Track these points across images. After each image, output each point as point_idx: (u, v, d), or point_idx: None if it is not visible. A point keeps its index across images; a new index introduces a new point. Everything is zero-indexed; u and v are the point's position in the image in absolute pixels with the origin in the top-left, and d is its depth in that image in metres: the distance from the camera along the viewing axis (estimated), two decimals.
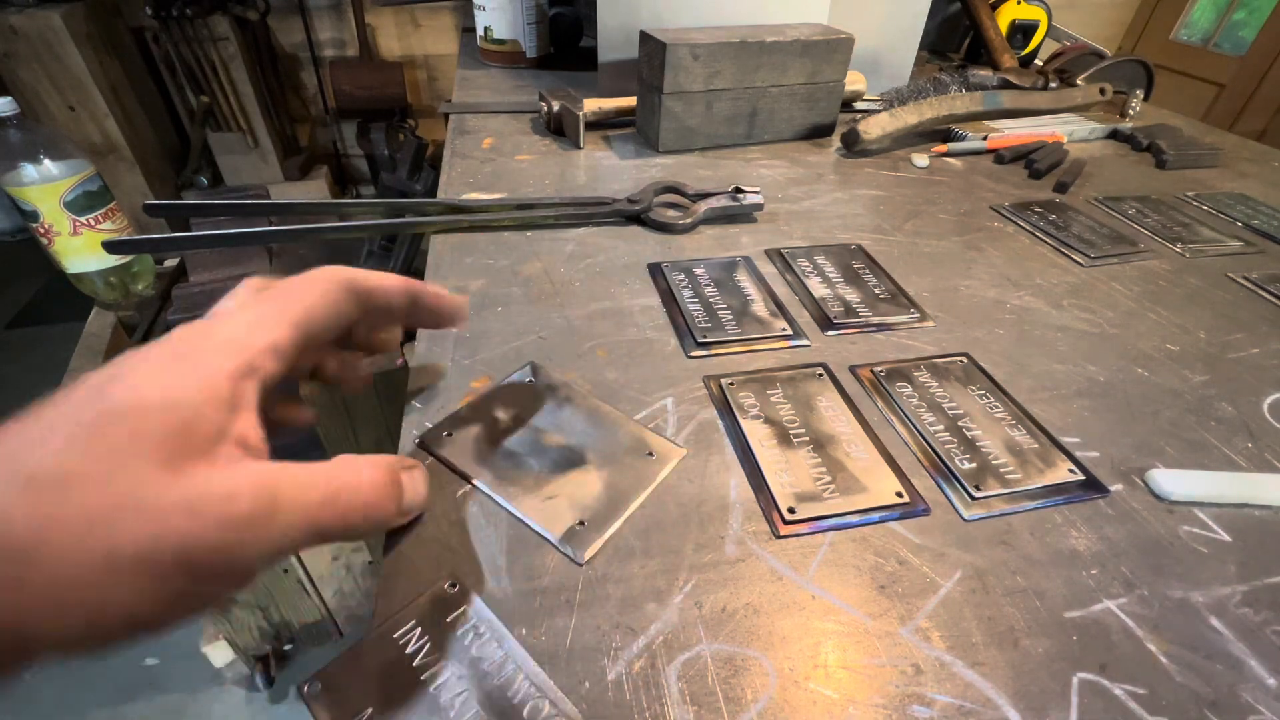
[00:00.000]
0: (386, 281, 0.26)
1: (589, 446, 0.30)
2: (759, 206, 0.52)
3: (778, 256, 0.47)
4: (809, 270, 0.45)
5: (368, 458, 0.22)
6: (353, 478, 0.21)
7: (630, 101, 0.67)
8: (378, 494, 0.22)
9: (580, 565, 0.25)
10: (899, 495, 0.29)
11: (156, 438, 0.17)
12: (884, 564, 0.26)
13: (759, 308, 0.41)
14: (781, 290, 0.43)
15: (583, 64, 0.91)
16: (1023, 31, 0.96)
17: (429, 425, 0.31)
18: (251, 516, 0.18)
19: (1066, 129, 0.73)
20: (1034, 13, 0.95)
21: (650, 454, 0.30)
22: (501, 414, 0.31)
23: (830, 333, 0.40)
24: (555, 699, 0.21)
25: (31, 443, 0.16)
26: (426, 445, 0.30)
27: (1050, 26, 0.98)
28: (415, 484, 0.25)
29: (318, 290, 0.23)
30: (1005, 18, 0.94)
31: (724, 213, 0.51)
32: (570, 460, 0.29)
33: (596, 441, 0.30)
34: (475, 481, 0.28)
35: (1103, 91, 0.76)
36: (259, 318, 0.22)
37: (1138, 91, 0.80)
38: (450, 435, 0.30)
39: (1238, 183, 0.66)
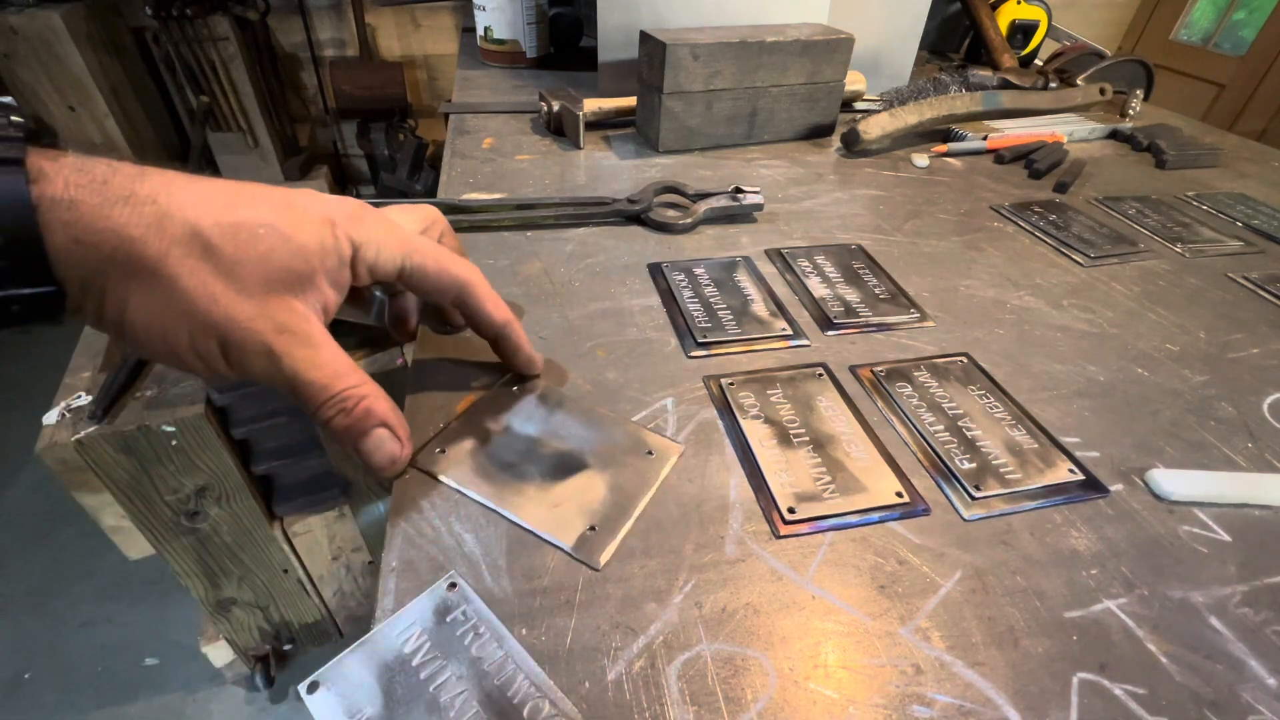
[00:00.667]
0: (491, 305, 0.30)
1: (587, 450, 0.30)
2: (759, 206, 0.52)
3: (778, 256, 0.47)
4: (809, 270, 0.45)
5: (384, 411, 0.26)
6: (359, 409, 0.26)
7: (630, 101, 0.67)
8: (363, 437, 0.26)
9: (597, 570, 0.25)
10: (899, 495, 0.29)
11: (282, 265, 0.24)
12: (884, 564, 0.26)
13: (759, 308, 0.41)
14: (781, 290, 0.43)
15: (583, 64, 0.91)
16: (1023, 31, 0.96)
17: (421, 443, 0.30)
18: (274, 354, 0.24)
19: (1066, 129, 0.73)
20: (1034, 13, 0.95)
21: (650, 452, 0.30)
22: (493, 424, 0.31)
23: (830, 333, 0.40)
24: (555, 699, 0.21)
25: (216, 204, 0.23)
26: (420, 465, 0.29)
27: (1050, 26, 0.98)
28: (380, 436, 0.27)
29: (448, 255, 0.29)
30: (1005, 18, 0.94)
31: (724, 213, 0.51)
32: (570, 465, 0.29)
33: (594, 444, 0.30)
34: (475, 496, 0.28)
35: (1103, 91, 0.76)
36: (387, 232, 0.27)
37: (1138, 91, 0.80)
38: (443, 452, 0.29)
39: (1238, 183, 0.66)
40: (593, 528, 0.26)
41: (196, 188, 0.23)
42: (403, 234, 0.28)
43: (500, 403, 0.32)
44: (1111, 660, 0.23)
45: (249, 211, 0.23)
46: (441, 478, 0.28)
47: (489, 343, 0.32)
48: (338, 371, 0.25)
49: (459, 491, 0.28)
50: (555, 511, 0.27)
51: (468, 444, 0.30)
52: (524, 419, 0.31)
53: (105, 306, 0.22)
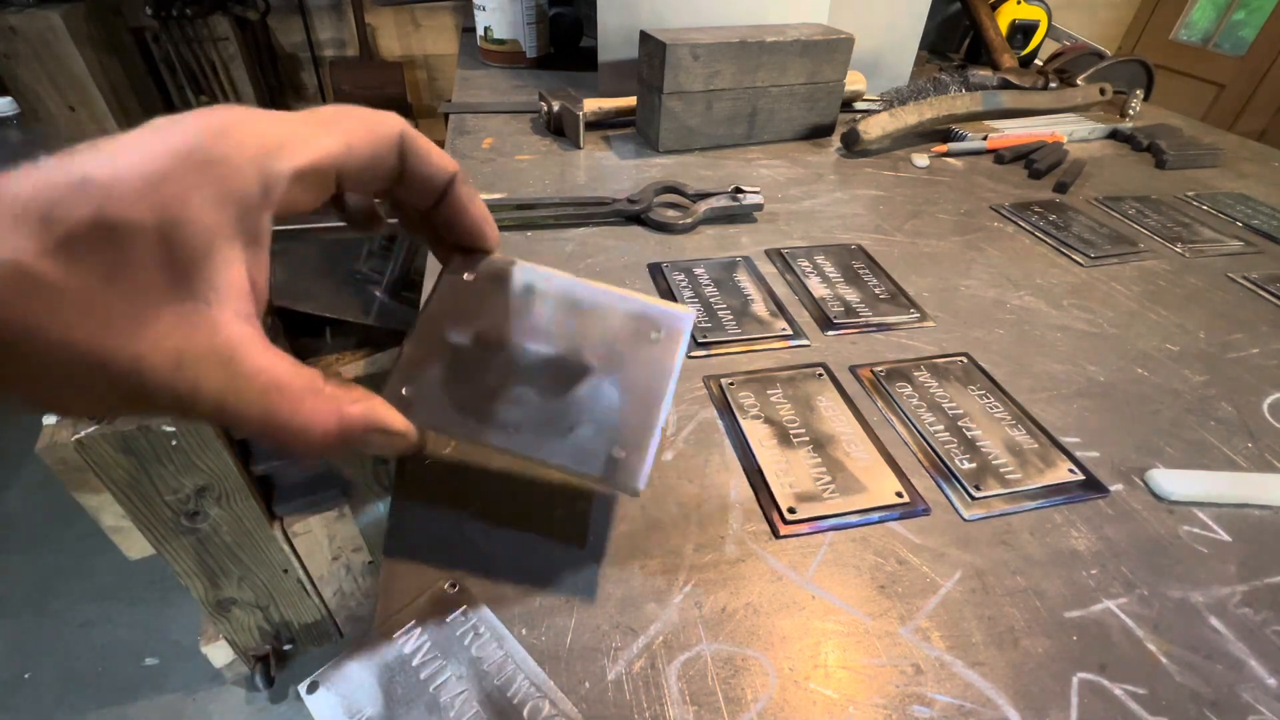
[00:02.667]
0: (435, 154, 0.23)
1: (583, 347, 0.24)
2: (759, 206, 0.52)
3: (778, 256, 0.47)
4: (809, 270, 0.45)
5: (336, 400, 0.19)
6: (293, 410, 0.18)
7: (630, 101, 0.67)
8: (309, 436, 0.18)
9: (638, 495, 0.22)
10: (899, 495, 0.29)
11: (146, 268, 0.15)
12: (884, 564, 0.26)
13: (759, 308, 0.41)
14: (781, 290, 0.43)
15: (583, 64, 0.91)
16: (1023, 31, 0.96)
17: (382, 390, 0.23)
18: (183, 399, 0.16)
19: (1066, 129, 0.73)
20: (1034, 13, 0.95)
21: (657, 332, 0.24)
22: (457, 334, 0.24)
23: (830, 333, 0.40)
24: (555, 699, 0.21)
25: (6, 235, 0.14)
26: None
27: (1050, 26, 0.98)
28: (381, 444, 0.20)
29: (361, 125, 0.20)
30: (1005, 18, 0.94)
31: (724, 213, 0.51)
32: (569, 373, 0.23)
33: (588, 337, 0.24)
34: (477, 439, 0.22)
35: (1103, 91, 0.76)
36: (287, 132, 0.18)
37: (1138, 91, 0.80)
38: (408, 392, 0.23)
39: (1238, 183, 0.66)
40: (620, 447, 0.22)
41: (4, 207, 0.14)
42: (301, 123, 0.19)
43: (458, 301, 0.24)
44: (1112, 660, 0.23)
45: (78, 205, 0.15)
46: (420, 422, 0.22)
47: (428, 212, 0.24)
48: (276, 383, 0.17)
49: (455, 436, 0.23)
50: (572, 437, 0.22)
51: (435, 370, 0.23)
52: (492, 318, 0.24)
53: None
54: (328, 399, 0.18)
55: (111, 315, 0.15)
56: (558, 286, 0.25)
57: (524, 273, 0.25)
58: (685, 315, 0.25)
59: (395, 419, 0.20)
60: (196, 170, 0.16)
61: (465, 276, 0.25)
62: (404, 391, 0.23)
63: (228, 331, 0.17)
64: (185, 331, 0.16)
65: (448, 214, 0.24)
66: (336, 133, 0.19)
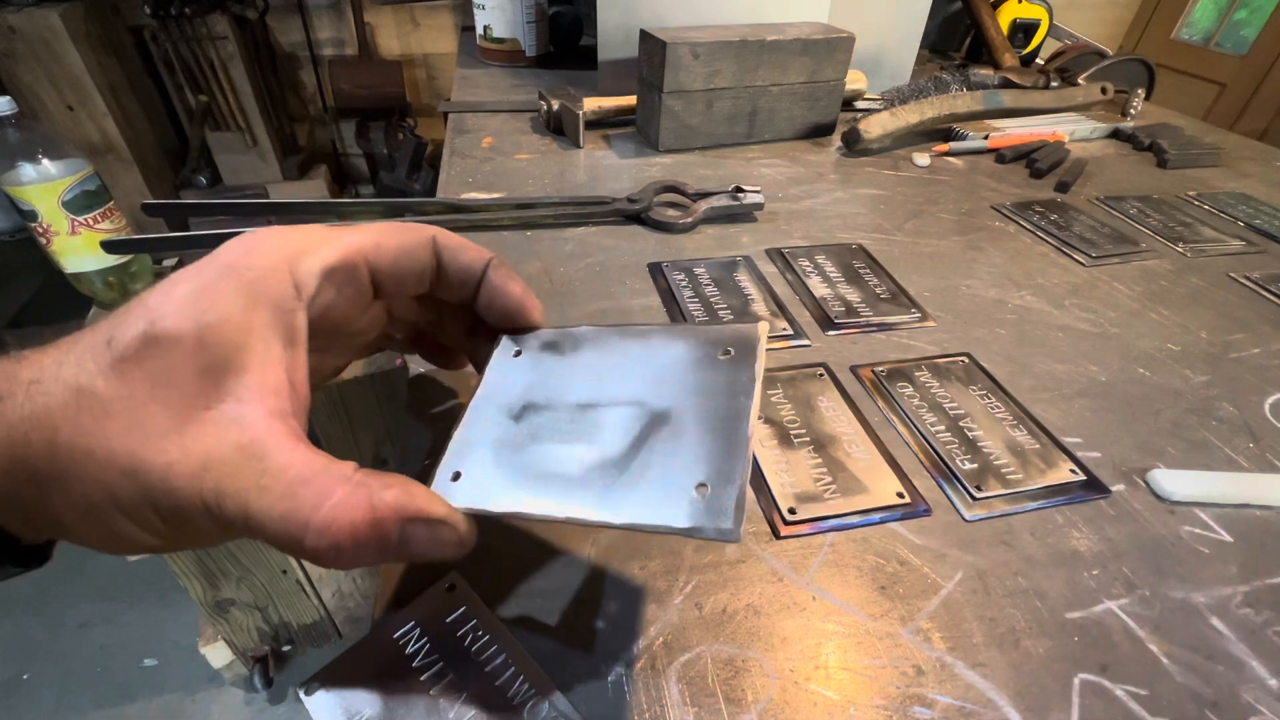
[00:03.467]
0: (470, 246, 0.23)
1: (644, 388, 0.21)
2: (759, 206, 0.52)
3: (778, 256, 0.47)
4: (810, 270, 0.45)
5: (366, 487, 0.17)
6: (316, 504, 0.16)
7: (630, 101, 0.67)
8: (336, 532, 0.16)
9: (738, 542, 0.19)
10: (900, 496, 0.29)
11: (184, 375, 0.16)
12: (885, 565, 0.26)
13: (759, 307, 0.41)
14: (782, 290, 0.43)
15: (583, 63, 0.91)
16: (1024, 30, 0.95)
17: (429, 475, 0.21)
18: (209, 506, 0.16)
19: (1068, 128, 0.73)
20: (1035, 11, 0.95)
21: (728, 351, 0.21)
22: (508, 405, 0.22)
23: (831, 332, 0.39)
24: (555, 699, 0.21)
25: (98, 339, 0.16)
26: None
27: (1051, 25, 0.98)
28: (426, 540, 0.18)
29: (391, 228, 0.21)
30: (1006, 17, 0.93)
31: (724, 212, 0.51)
32: (635, 421, 0.20)
33: (649, 377, 0.21)
34: (532, 513, 0.19)
35: (1104, 91, 0.76)
36: (316, 237, 0.19)
37: (1139, 91, 0.80)
38: (459, 476, 0.20)
39: (1239, 182, 0.66)
40: (702, 484, 0.18)
41: (83, 340, 0.16)
42: (330, 230, 0.20)
43: (506, 379, 0.23)
44: (1113, 661, 0.23)
45: (132, 326, 0.16)
46: (474, 507, 0.19)
47: (467, 300, 0.24)
48: (301, 476, 0.16)
49: (509, 515, 0.19)
50: (644, 487, 0.18)
51: (484, 450, 0.21)
52: (544, 384, 0.22)
53: (39, 523, 0.17)
54: (356, 486, 0.16)
55: (151, 424, 0.16)
56: (609, 340, 0.23)
57: (572, 335, 0.24)
58: (757, 326, 0.21)
59: (436, 505, 0.18)
60: (229, 279, 0.17)
61: (515, 353, 0.24)
62: (452, 477, 0.20)
63: (257, 429, 0.16)
64: (216, 434, 0.16)
65: (488, 300, 0.24)
66: (367, 232, 0.20)
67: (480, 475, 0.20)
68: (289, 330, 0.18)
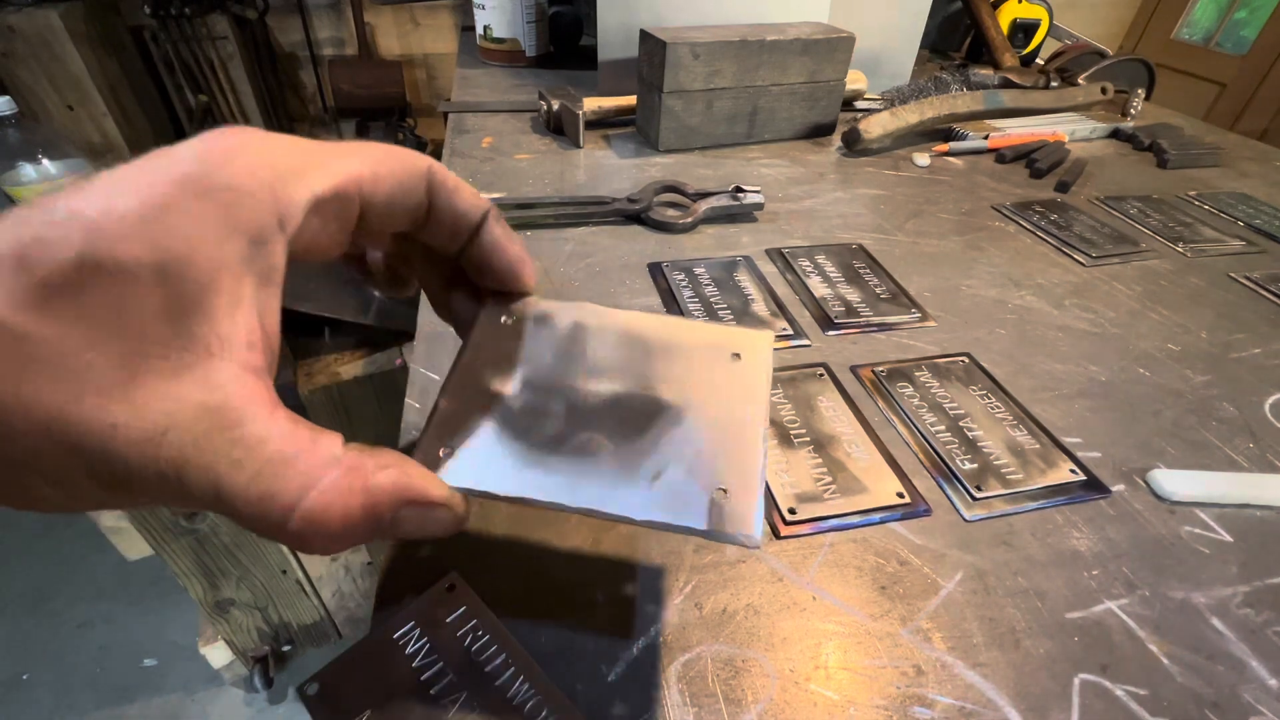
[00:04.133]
0: (467, 190, 0.20)
1: (654, 382, 0.20)
2: (759, 206, 0.52)
3: (778, 256, 0.47)
4: (810, 270, 0.45)
5: (359, 470, 0.15)
6: (302, 488, 0.14)
7: (630, 100, 0.67)
8: (327, 522, 0.14)
9: (758, 545, 0.18)
10: (900, 496, 0.29)
11: (140, 317, 0.13)
12: (885, 565, 0.26)
13: (759, 307, 0.41)
14: (782, 290, 0.43)
15: (583, 63, 0.91)
16: (1024, 30, 0.95)
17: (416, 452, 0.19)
18: (166, 477, 0.13)
19: (1068, 128, 0.73)
20: (1035, 11, 0.95)
21: (737, 355, 0.21)
22: (501, 383, 0.20)
23: (831, 332, 0.39)
24: (555, 699, 0.21)
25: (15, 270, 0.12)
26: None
27: (1051, 25, 0.98)
28: (419, 521, 0.16)
29: (385, 152, 0.18)
30: (1006, 17, 0.93)
31: (724, 212, 0.51)
32: (643, 412, 0.20)
33: (659, 372, 0.21)
34: (539, 499, 0.18)
35: (1104, 91, 0.76)
36: (304, 157, 0.16)
37: (1139, 91, 0.80)
38: (448, 452, 0.19)
39: (1239, 182, 0.66)
40: (723, 490, 0.18)
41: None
42: (318, 147, 0.17)
43: (498, 347, 0.21)
44: (1113, 661, 0.23)
45: (62, 245, 0.12)
46: (475, 488, 0.18)
47: (454, 250, 0.21)
48: (282, 454, 0.14)
49: (514, 499, 0.18)
50: (662, 484, 0.18)
51: (478, 425, 0.19)
52: (541, 361, 0.21)
53: None
54: (349, 470, 0.15)
55: (90, 377, 0.12)
56: (612, 321, 0.22)
57: (571, 310, 0.22)
58: (765, 334, 0.22)
59: (434, 487, 0.16)
60: (200, 198, 0.14)
61: (504, 320, 0.22)
62: (441, 452, 0.18)
63: (229, 390, 0.13)
64: (176, 391, 0.13)
65: (480, 255, 0.21)
66: (360, 158, 0.17)
67: (478, 453, 0.19)
68: (266, 269, 0.15)
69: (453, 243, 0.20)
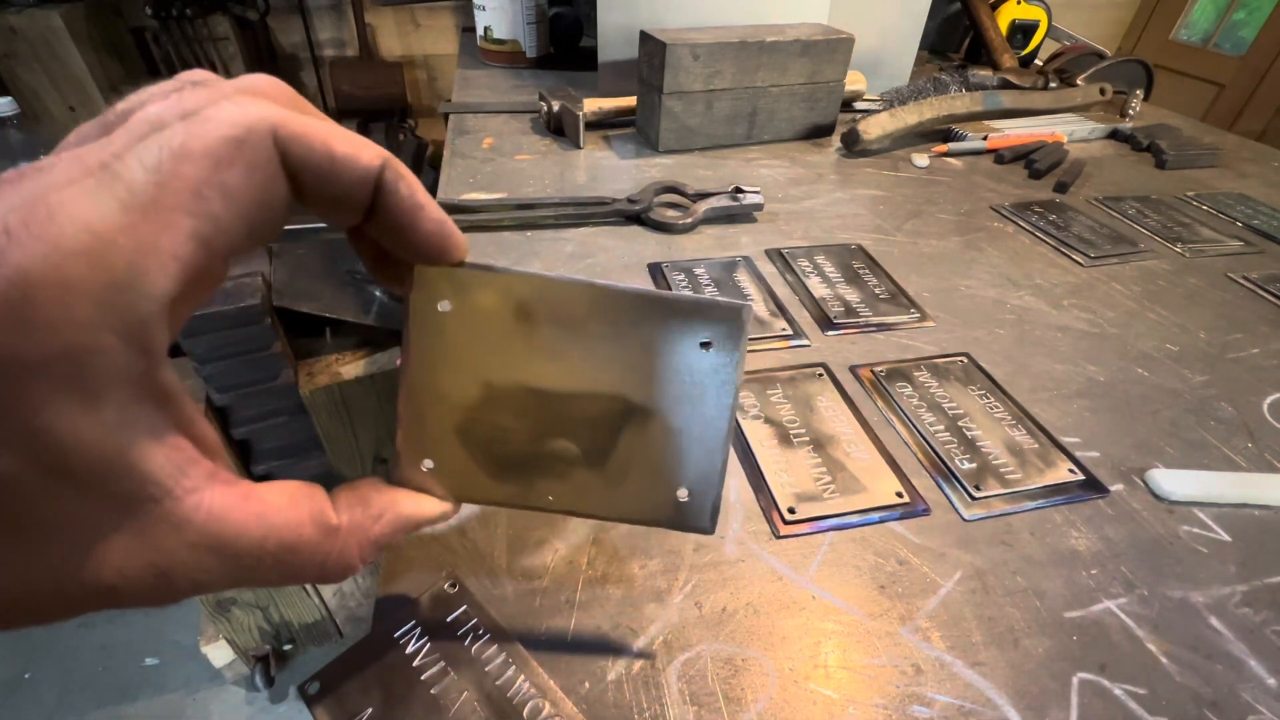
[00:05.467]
0: (339, 142, 0.14)
1: (613, 373, 0.19)
2: (759, 206, 0.52)
3: (778, 256, 0.47)
4: (809, 270, 0.45)
5: (360, 529, 0.16)
6: (321, 568, 0.15)
7: (630, 101, 0.67)
8: (345, 576, 0.16)
9: (711, 534, 0.20)
10: (899, 495, 0.29)
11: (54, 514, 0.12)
12: (884, 564, 0.26)
13: (759, 308, 0.41)
14: (781, 290, 0.43)
15: (583, 64, 0.91)
16: (1023, 31, 0.96)
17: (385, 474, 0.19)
18: (169, 599, 0.14)
19: (1066, 129, 0.73)
20: (1034, 13, 0.95)
21: (707, 335, 0.19)
22: (461, 386, 0.19)
23: (830, 333, 0.40)
24: (555, 699, 0.21)
25: None
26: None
27: (1050, 26, 0.98)
28: (410, 531, 0.18)
29: (237, 168, 0.12)
30: (1005, 18, 0.94)
31: (724, 213, 0.51)
32: (607, 408, 0.19)
33: (619, 360, 0.19)
34: (522, 504, 0.19)
35: (1103, 91, 0.76)
36: (123, 234, 0.11)
37: (1138, 91, 0.80)
38: (430, 468, 0.19)
39: (1238, 183, 0.66)
40: (684, 487, 0.19)
41: None
42: (132, 182, 0.12)
43: (443, 338, 0.18)
44: (1112, 660, 0.23)
45: None
46: (448, 496, 0.19)
47: (350, 223, 0.16)
48: (285, 545, 0.14)
49: (494, 504, 0.20)
50: (626, 486, 0.19)
51: (447, 432, 0.19)
52: (492, 353, 0.19)
53: None
54: (348, 535, 0.16)
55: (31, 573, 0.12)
56: (559, 293, 0.19)
57: (518, 283, 0.19)
58: (740, 306, 0.19)
59: (426, 508, 0.18)
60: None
61: (439, 307, 0.18)
62: (423, 466, 0.19)
63: (202, 519, 0.13)
64: (123, 559, 0.12)
65: (388, 223, 0.16)
66: (188, 195, 0.12)
67: (453, 465, 0.19)
68: (156, 398, 0.12)
69: (348, 216, 0.15)
